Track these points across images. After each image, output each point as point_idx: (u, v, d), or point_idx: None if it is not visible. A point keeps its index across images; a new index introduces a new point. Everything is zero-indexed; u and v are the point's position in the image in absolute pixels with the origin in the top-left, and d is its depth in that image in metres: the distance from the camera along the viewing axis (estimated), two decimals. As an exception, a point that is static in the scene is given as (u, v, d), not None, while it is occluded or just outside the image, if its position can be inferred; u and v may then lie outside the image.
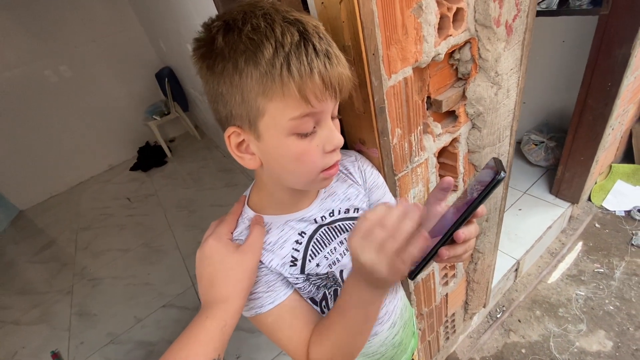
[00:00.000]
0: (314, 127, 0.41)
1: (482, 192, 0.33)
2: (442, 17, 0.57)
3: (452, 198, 0.87)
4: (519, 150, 2.11)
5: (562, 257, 1.74)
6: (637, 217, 1.77)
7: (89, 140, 3.63)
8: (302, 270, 0.52)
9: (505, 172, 0.32)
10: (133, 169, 3.69)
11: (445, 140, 0.74)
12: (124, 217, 2.97)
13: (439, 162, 0.80)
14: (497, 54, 0.67)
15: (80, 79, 3.39)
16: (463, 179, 0.86)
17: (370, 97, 0.51)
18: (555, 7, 1.64)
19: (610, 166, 1.93)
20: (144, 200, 3.12)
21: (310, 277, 0.52)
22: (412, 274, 0.38)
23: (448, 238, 0.37)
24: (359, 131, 0.58)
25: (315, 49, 0.36)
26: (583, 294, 1.58)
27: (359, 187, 0.58)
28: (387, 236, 0.34)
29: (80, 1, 3.17)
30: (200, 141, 3.85)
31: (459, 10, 0.59)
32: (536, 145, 1.96)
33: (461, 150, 0.79)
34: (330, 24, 0.47)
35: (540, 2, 1.88)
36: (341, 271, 0.55)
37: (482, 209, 0.36)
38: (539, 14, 1.73)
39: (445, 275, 1.07)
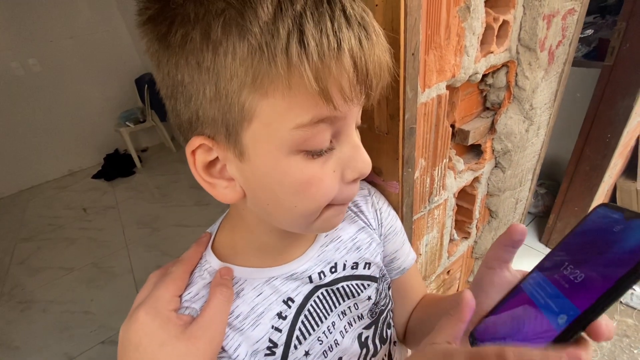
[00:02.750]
0: (331, 142, 0.26)
1: (627, 275, 0.19)
2: (487, 28, 0.46)
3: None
4: (507, 194, 2.06)
5: (551, 312, 1.64)
6: (624, 274, 1.72)
7: (51, 141, 3.31)
8: None
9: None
10: (96, 177, 3.37)
11: (466, 178, 0.62)
12: (75, 229, 2.63)
13: (457, 205, 0.67)
14: (536, 83, 0.56)
15: (50, 75, 3.14)
16: (476, 226, 0.74)
17: (400, 113, 0.37)
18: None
19: (596, 218, 1.91)
20: (102, 212, 2.80)
21: None
22: None
23: (572, 332, 0.21)
24: (378, 158, 0.44)
25: (345, 12, 0.22)
26: (575, 355, 1.47)
27: (373, 232, 0.42)
28: None
29: (63, -5, 3.00)
30: (174, 154, 3.61)
31: (504, 23, 0.48)
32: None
33: (480, 191, 0.67)
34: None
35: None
36: (341, 358, 0.38)
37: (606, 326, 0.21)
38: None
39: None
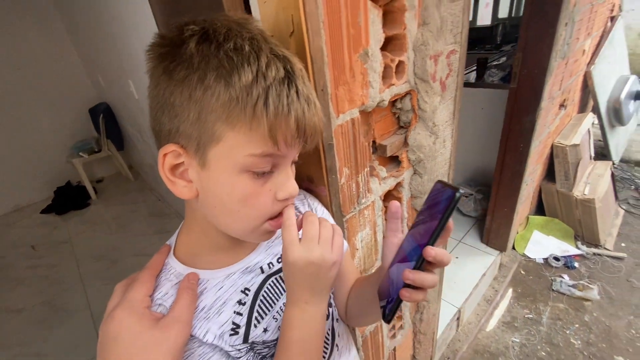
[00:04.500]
0: (272, 170, 0.37)
1: (444, 212, 0.32)
2: (386, 67, 0.61)
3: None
4: (452, 201, 2.28)
5: (496, 304, 1.81)
6: (554, 265, 1.96)
7: (-7, 176, 3.09)
8: (246, 339, 0.42)
9: (459, 190, 0.33)
10: (45, 211, 3.17)
11: (390, 183, 0.75)
12: (22, 269, 2.46)
13: (385, 207, 0.80)
14: (434, 106, 0.72)
15: (-5, 106, 2.98)
16: (407, 224, 0.87)
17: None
18: (473, 81, 1.94)
19: (527, 218, 2.17)
20: (54, 248, 2.65)
21: (256, 345, 0.44)
22: (387, 316, 0.36)
23: (420, 263, 0.34)
24: (307, 168, 0.55)
25: (297, 91, 0.34)
26: (518, 340, 1.63)
27: None
28: (317, 229, 0.39)
29: (11, 25, 2.92)
30: (132, 182, 3.52)
31: (400, 62, 0.63)
32: (466, 197, 2.15)
33: (405, 194, 0.81)
34: (280, 57, 0.47)
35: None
36: None
37: (450, 223, 0.35)
38: (464, 85, 2.03)
39: (393, 326, 1.02)
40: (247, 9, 0.49)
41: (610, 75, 2.28)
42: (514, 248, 2.08)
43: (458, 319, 1.63)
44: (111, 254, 2.46)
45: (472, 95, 2.01)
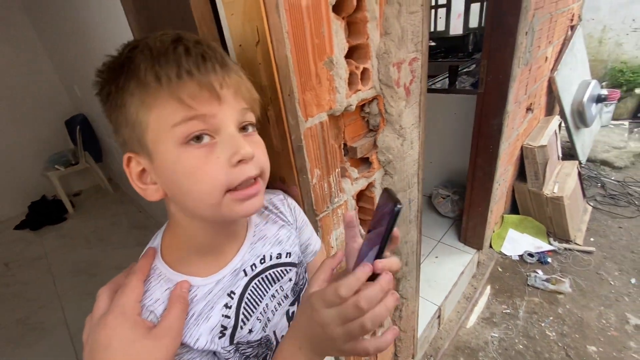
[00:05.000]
0: (213, 137, 0.37)
1: (388, 224, 0.34)
2: (352, 74, 0.65)
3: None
4: (430, 203, 2.35)
5: (475, 301, 1.87)
6: (529, 261, 2.05)
7: (-38, 192, 2.97)
8: (232, 341, 0.44)
9: (400, 203, 0.33)
10: (19, 227, 3.06)
11: (362, 184, 0.79)
12: (-6, 288, 2.35)
13: (358, 206, 0.84)
14: (400, 110, 0.77)
15: (-38, 121, 2.88)
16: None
17: (287, 135, 0.53)
18: (447, 87, 2.03)
19: (502, 216, 2.27)
20: (28, 265, 2.55)
21: (240, 346, 0.45)
22: None
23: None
24: (279, 169, 0.58)
25: (187, 50, 0.35)
26: (497, 335, 1.69)
27: (291, 227, 0.55)
28: (362, 320, 0.33)
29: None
30: (112, 195, 3.44)
31: (365, 69, 0.68)
32: (444, 198, 2.22)
33: (377, 194, 0.85)
34: (248, 64, 0.50)
35: (436, 82, 2.31)
36: (274, 332, 0.49)
37: (396, 233, 0.37)
38: (436, 91, 2.12)
39: (373, 324, 1.05)
40: (217, 20, 0.52)
41: (572, 80, 2.43)
42: (490, 246, 2.16)
43: (439, 317, 1.68)
44: (90, 268, 2.40)
45: (445, 101, 2.10)
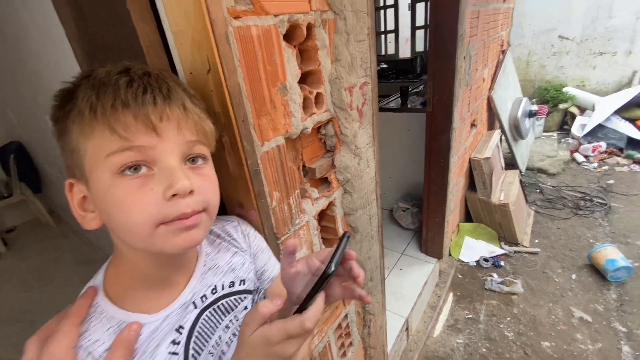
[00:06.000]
0: (151, 169, 0.36)
1: (336, 249, 0.36)
2: (306, 98, 0.67)
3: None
4: (392, 217, 2.44)
5: (440, 310, 1.94)
6: (484, 265, 2.18)
7: None
8: None
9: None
10: None
11: (322, 203, 0.80)
12: None
13: (320, 226, 0.85)
14: (354, 131, 0.80)
15: None
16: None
17: (243, 160, 0.53)
18: (399, 106, 2.15)
19: (459, 225, 2.40)
20: (-52, 317, 2.20)
21: None
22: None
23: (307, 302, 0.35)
24: (237, 194, 0.58)
25: (130, 82, 0.35)
26: (462, 341, 1.75)
27: (244, 253, 0.54)
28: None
29: None
30: (54, 228, 3.12)
31: (319, 94, 0.70)
32: (404, 211, 2.31)
33: (338, 213, 0.87)
34: (200, 92, 0.50)
35: (389, 102, 2.44)
36: None
37: (361, 275, 0.39)
38: (390, 110, 2.25)
39: (342, 344, 1.04)
40: (167, 49, 0.52)
41: (507, 98, 2.70)
42: (450, 254, 2.27)
43: (407, 329, 1.70)
44: (27, 314, 2.12)
45: (399, 119, 2.22)
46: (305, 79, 0.69)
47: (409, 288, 1.86)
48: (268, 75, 0.56)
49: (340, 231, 0.89)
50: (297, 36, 0.63)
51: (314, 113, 0.70)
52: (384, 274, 1.14)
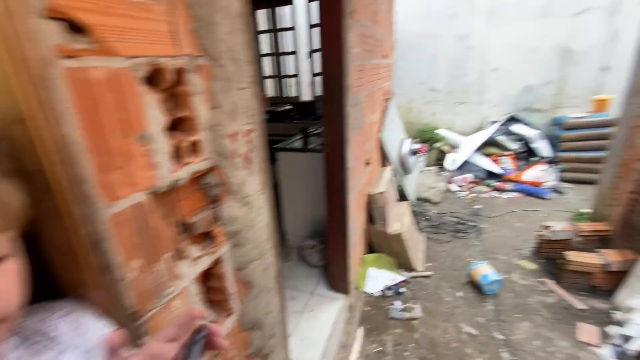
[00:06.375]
0: None
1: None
2: (179, 147, 0.60)
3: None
4: (301, 255, 2.40)
5: (350, 348, 1.92)
6: (388, 294, 2.29)
7: None
8: None
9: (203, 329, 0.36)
10: None
11: (206, 262, 0.71)
12: None
13: (207, 287, 0.74)
14: (242, 179, 0.75)
15: None
16: (239, 299, 0.83)
17: (77, 230, 0.41)
18: (302, 147, 2.22)
19: (363, 257, 2.51)
20: None
21: None
22: None
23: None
24: (68, 273, 0.45)
25: None
26: (372, 378, 1.75)
27: (78, 349, 0.41)
28: None
29: None
30: None
31: (196, 142, 0.64)
32: (311, 248, 2.31)
33: (227, 269, 0.78)
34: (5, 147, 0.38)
35: (294, 142, 2.50)
36: None
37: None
38: (294, 150, 2.29)
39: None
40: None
41: (394, 139, 3.08)
42: (357, 287, 2.32)
43: (319, 377, 1.62)
44: None
45: (302, 159, 2.28)
46: (178, 125, 0.62)
47: (319, 331, 1.80)
48: (121, 123, 0.47)
49: (232, 289, 0.80)
50: (164, 81, 0.57)
51: (190, 162, 0.63)
52: (287, 328, 1.06)
